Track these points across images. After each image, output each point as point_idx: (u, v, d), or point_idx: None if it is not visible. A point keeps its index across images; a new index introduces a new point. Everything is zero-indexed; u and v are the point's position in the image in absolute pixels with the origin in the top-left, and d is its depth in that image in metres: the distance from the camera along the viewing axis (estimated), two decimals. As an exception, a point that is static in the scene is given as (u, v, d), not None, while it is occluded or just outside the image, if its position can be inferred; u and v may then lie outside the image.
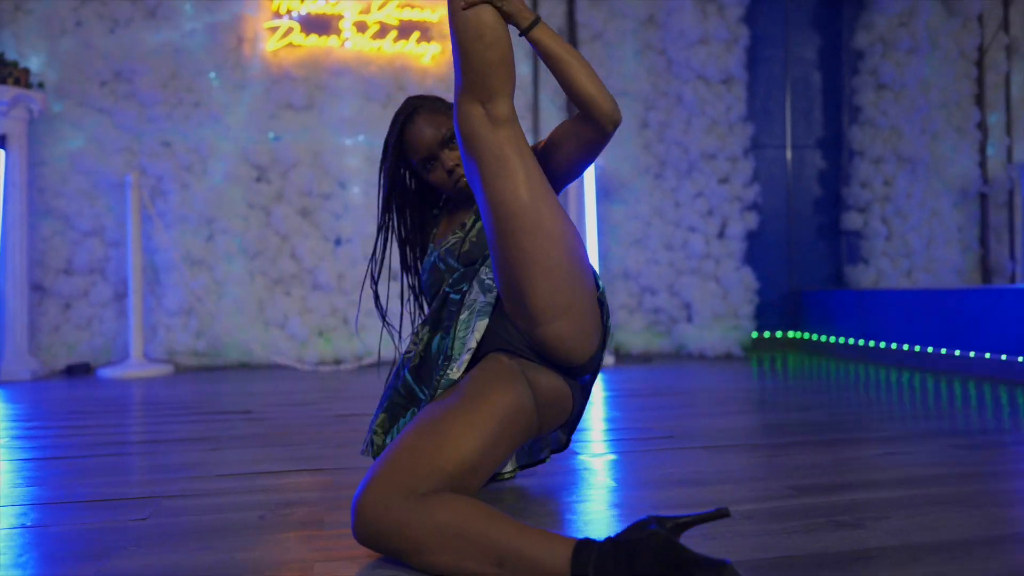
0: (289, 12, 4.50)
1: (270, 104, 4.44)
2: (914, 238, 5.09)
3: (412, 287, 1.76)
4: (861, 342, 4.38)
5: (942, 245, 5.24)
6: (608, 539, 1.01)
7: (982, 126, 5.46)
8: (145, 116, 4.30)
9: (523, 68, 4.76)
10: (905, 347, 4.01)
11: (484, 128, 1.31)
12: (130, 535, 1.34)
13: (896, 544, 1.20)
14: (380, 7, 4.61)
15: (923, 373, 3.66)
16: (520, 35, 1.37)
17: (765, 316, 5.05)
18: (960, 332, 3.67)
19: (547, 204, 1.34)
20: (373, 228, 4.50)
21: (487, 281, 1.47)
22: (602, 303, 1.49)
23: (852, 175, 5.11)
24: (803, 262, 5.21)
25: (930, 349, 3.84)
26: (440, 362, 1.46)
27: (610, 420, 2.53)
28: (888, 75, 4.97)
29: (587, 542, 1.01)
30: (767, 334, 5.09)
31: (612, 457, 1.93)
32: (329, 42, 4.54)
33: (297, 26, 4.48)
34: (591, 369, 1.48)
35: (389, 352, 4.05)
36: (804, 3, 5.19)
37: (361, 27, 4.59)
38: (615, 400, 2.97)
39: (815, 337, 4.85)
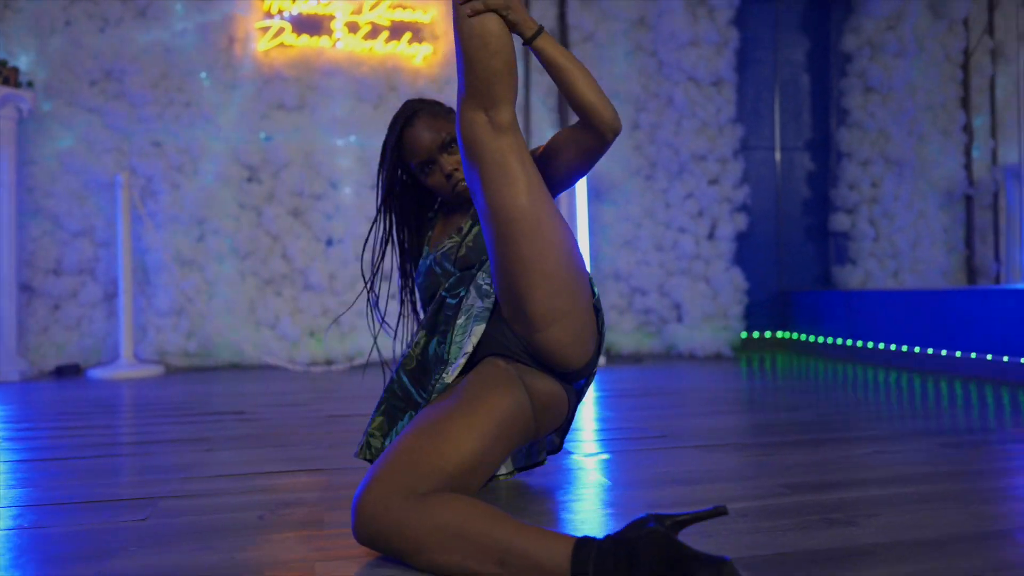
0: (280, 12, 4.50)
1: (261, 104, 4.44)
2: (901, 239, 5.15)
3: (406, 289, 1.76)
4: (849, 342, 4.42)
5: (928, 246, 5.30)
6: (608, 537, 1.02)
7: (967, 129, 5.53)
8: (135, 116, 4.28)
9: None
10: (892, 347, 4.06)
11: (487, 135, 1.32)
12: (129, 536, 1.34)
13: (887, 541, 1.22)
14: (372, 8, 4.61)
15: (910, 373, 3.71)
16: (524, 44, 1.39)
17: (754, 316, 5.10)
18: (946, 332, 3.72)
19: (547, 211, 1.36)
20: (365, 229, 4.51)
21: (484, 287, 1.49)
22: (597, 310, 1.51)
23: (840, 177, 5.16)
24: (792, 263, 5.26)
25: (917, 349, 3.88)
26: (436, 366, 1.48)
27: (602, 420, 2.55)
28: (876, 78, 5.02)
29: (587, 540, 1.02)
30: (756, 334, 5.14)
31: (606, 456, 1.95)
32: (321, 42, 4.54)
33: (288, 26, 4.48)
34: (586, 374, 1.50)
35: (375, 352, 4.05)
36: (793, 6, 5.24)
37: (352, 27, 4.59)
38: (607, 400, 2.99)
39: (804, 337, 4.90)
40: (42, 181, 4.20)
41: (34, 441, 2.30)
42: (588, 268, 1.71)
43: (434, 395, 1.42)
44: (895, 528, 1.29)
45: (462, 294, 1.52)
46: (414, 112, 1.61)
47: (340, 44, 4.55)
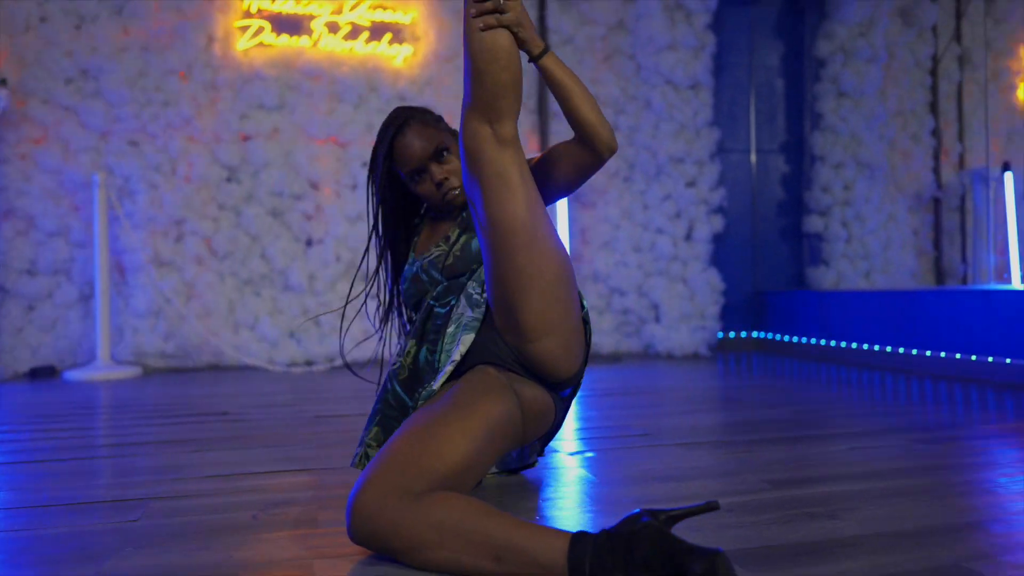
0: (260, 11, 4.48)
1: (240, 104, 4.41)
2: (872, 241, 5.26)
3: (390, 293, 1.77)
4: (822, 342, 4.51)
5: (898, 248, 5.42)
6: (603, 531, 1.04)
7: (936, 133, 5.67)
8: (112, 115, 4.23)
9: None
10: (864, 346, 4.16)
11: (491, 147, 1.35)
12: (124, 536, 1.35)
13: (869, 533, 1.27)
14: (352, 8, 4.61)
15: (881, 371, 3.80)
16: (530, 61, 1.43)
17: (730, 317, 5.18)
18: (916, 332, 3.82)
19: (543, 224, 1.39)
20: (345, 229, 4.51)
21: (475, 296, 1.51)
22: (586, 322, 1.56)
23: (814, 179, 5.26)
24: (767, 264, 5.35)
25: (888, 348, 3.98)
26: (427, 374, 1.51)
27: (585, 419, 2.59)
28: (848, 83, 5.13)
29: (583, 535, 1.04)
30: (732, 334, 5.22)
31: (590, 454, 1.98)
32: (301, 42, 4.52)
33: (268, 25, 4.46)
34: (573, 384, 1.55)
35: (360, 353, 4.06)
36: (768, 12, 5.33)
37: (333, 28, 4.58)
38: (588, 399, 3.03)
39: (778, 337, 4.99)
40: (16, 180, 4.13)
41: (14, 444, 2.28)
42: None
43: (421, 402, 1.45)
44: (875, 521, 1.34)
45: (452, 303, 1.54)
46: (405, 120, 1.62)
47: (321, 44, 4.54)
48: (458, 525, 1.10)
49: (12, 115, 4.12)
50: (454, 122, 4.76)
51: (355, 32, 4.61)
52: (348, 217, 4.53)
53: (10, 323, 4.12)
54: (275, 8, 4.49)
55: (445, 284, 1.59)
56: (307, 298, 4.46)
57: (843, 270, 5.20)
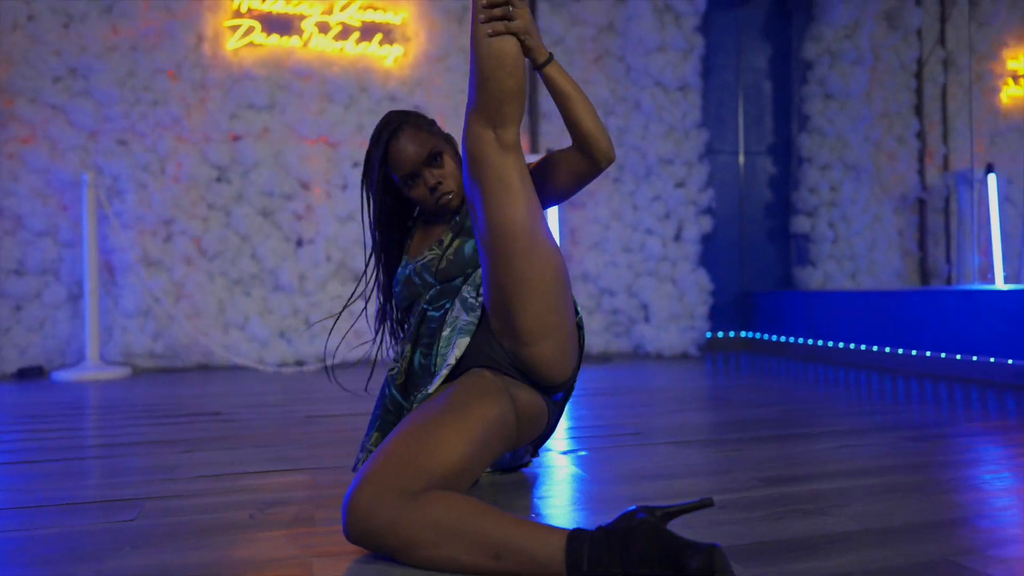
0: (250, 11, 4.47)
1: (230, 103, 4.40)
2: (858, 242, 5.32)
3: (383, 294, 1.78)
4: (810, 341, 4.56)
5: (884, 249, 5.48)
6: (599, 528, 1.06)
7: (921, 135, 5.74)
8: (101, 115, 4.21)
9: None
10: (851, 346, 4.20)
11: (494, 152, 1.36)
12: (121, 536, 1.35)
13: (859, 529, 1.30)
14: (342, 8, 4.61)
15: (868, 370, 3.85)
16: (534, 68, 1.45)
17: (719, 317, 5.22)
18: (901, 331, 3.86)
19: (542, 230, 1.41)
20: (335, 229, 4.50)
21: (470, 300, 1.53)
22: (580, 327, 1.57)
23: (801, 181, 5.31)
24: (754, 264, 5.39)
25: (875, 348, 4.03)
26: (423, 378, 1.53)
27: (576, 418, 2.60)
28: (835, 85, 5.18)
29: (580, 532, 1.05)
30: (720, 334, 5.26)
31: (582, 453, 2.00)
32: (291, 42, 4.52)
33: (258, 25, 4.45)
34: (565, 388, 1.56)
35: (350, 354, 4.06)
36: (756, 15, 5.38)
37: (323, 28, 4.58)
38: (579, 399, 3.04)
39: (766, 337, 5.03)
40: (3, 180, 4.11)
41: (4, 444, 2.27)
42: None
43: (415, 404, 1.46)
44: (865, 517, 1.36)
45: (447, 306, 1.56)
46: (399, 125, 1.63)
47: (311, 44, 4.54)
48: (456, 524, 1.10)
49: (0, 114, 4.09)
50: (446, 124, 4.77)
51: (345, 32, 4.61)
52: (338, 217, 4.53)
53: (-3, 323, 4.10)
54: (265, 8, 4.48)
55: (438, 288, 1.60)
56: (297, 298, 4.45)
57: (830, 271, 5.25)
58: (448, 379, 1.47)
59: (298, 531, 1.36)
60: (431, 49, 4.72)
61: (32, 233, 4.14)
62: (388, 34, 4.69)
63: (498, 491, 1.62)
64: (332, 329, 1.83)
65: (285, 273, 4.41)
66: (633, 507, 1.08)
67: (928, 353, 3.67)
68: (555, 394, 1.56)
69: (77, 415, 2.82)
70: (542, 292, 1.40)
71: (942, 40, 5.79)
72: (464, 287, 1.56)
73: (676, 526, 1.28)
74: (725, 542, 1.23)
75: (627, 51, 4.96)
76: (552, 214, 4.53)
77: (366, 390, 2.03)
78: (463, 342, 1.46)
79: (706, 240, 5.11)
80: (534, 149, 4.83)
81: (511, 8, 1.35)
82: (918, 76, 5.72)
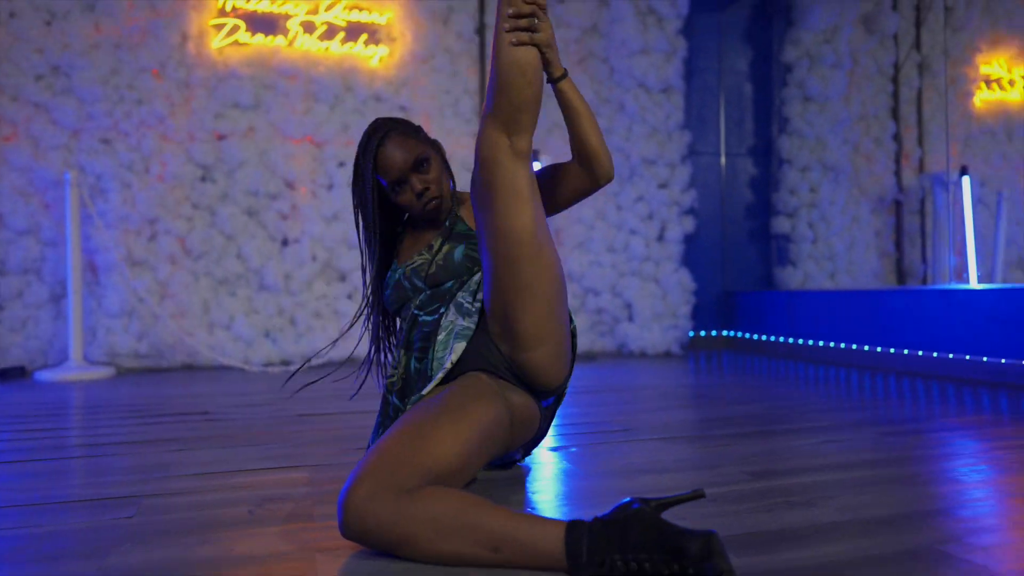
0: (235, 10, 4.45)
1: (215, 103, 4.39)
2: (837, 242, 5.41)
3: (371, 299, 1.79)
4: (791, 340, 4.64)
5: (862, 249, 5.58)
6: (596, 518, 1.08)
7: (897, 138, 5.85)
8: (84, 113, 4.18)
9: (473, 79, 4.84)
10: (831, 344, 4.28)
11: (507, 158, 1.39)
12: (121, 533, 1.36)
13: (847, 519, 1.34)
14: (327, 8, 4.61)
15: (847, 368, 3.92)
16: (548, 82, 1.49)
17: (701, 316, 5.29)
18: (879, 330, 3.95)
19: (547, 238, 1.45)
20: (321, 229, 4.51)
21: (466, 305, 1.55)
22: (573, 335, 1.61)
23: (781, 182, 5.39)
24: (736, 264, 5.47)
25: (854, 346, 4.11)
26: (419, 382, 1.55)
27: (565, 416, 2.64)
28: (814, 88, 5.27)
29: (578, 523, 1.08)
30: (703, 333, 5.33)
31: (572, 449, 2.03)
32: (276, 42, 4.51)
33: (243, 24, 4.44)
34: (556, 394, 1.60)
35: (335, 353, 4.06)
36: (737, 19, 5.45)
37: (308, 27, 4.58)
38: (567, 397, 3.08)
39: (747, 335, 5.11)
40: (-17, 178, 4.06)
41: (-6, 444, 2.25)
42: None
43: (409, 405, 1.49)
44: (851, 508, 1.41)
45: (442, 311, 1.58)
46: (386, 133, 1.66)
47: (296, 43, 4.53)
48: (454, 518, 1.12)
49: (-21, 111, 4.05)
50: (432, 124, 4.77)
51: (331, 32, 4.61)
52: (324, 217, 4.53)
53: (-23, 323, 4.05)
54: (250, 7, 4.47)
55: (428, 293, 1.63)
56: (283, 297, 4.45)
57: (809, 270, 5.33)
58: (444, 382, 1.49)
59: (297, 526, 1.37)
60: (417, 49, 4.74)
61: (13, 232, 4.10)
62: (373, 34, 4.70)
63: (491, 487, 1.65)
64: (329, 349, 1.85)
65: (270, 273, 4.40)
66: (628, 499, 1.11)
67: (905, 351, 3.76)
68: (545, 399, 1.59)
69: (64, 415, 2.80)
70: (543, 298, 1.44)
71: (917, 45, 5.91)
72: (459, 293, 1.59)
73: (668, 518, 1.31)
74: (718, 532, 1.27)
75: (611, 53, 5.01)
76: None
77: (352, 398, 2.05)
78: (460, 346, 1.49)
79: (689, 240, 5.18)
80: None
81: (536, 21, 1.38)
82: (894, 80, 5.83)
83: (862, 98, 5.69)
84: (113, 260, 4.14)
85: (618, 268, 4.99)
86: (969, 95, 6.17)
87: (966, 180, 5.50)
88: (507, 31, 1.38)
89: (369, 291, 1.75)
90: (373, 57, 4.66)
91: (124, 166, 4.23)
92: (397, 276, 1.68)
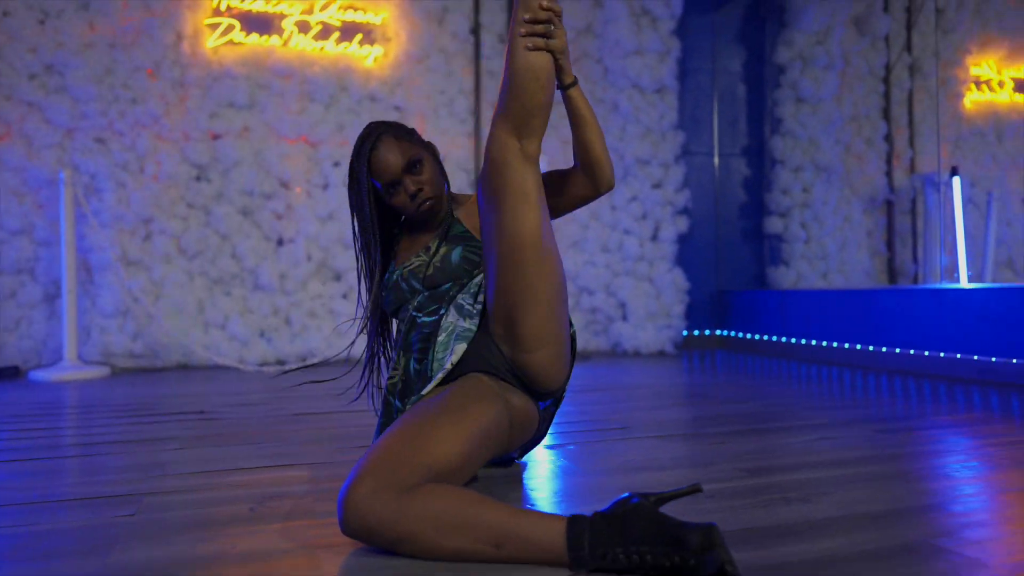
0: (229, 9, 4.45)
1: (210, 102, 4.38)
2: (829, 242, 5.45)
3: (368, 299, 1.80)
4: (783, 339, 4.67)
5: (854, 249, 5.62)
6: (597, 513, 1.10)
7: (888, 138, 5.89)
8: (78, 112, 4.17)
9: (468, 79, 4.85)
10: (824, 343, 4.31)
11: (517, 161, 1.40)
12: (123, 531, 1.36)
13: (842, 515, 1.36)
14: (322, 8, 4.62)
15: (840, 367, 3.96)
16: (558, 88, 1.51)
17: (695, 315, 5.32)
18: (871, 329, 3.98)
19: (552, 242, 1.47)
20: (316, 228, 4.51)
21: (467, 307, 1.57)
22: (572, 338, 1.63)
23: (774, 182, 5.42)
24: (729, 264, 5.50)
25: (846, 345, 4.14)
26: (419, 382, 1.56)
27: (562, 414, 2.65)
28: (806, 89, 5.30)
29: (579, 517, 1.10)
30: (697, 332, 5.36)
31: (570, 447, 2.05)
32: (271, 41, 4.51)
33: (237, 24, 4.44)
34: (555, 396, 1.61)
35: (329, 352, 4.06)
36: (731, 20, 5.48)
37: (303, 27, 4.58)
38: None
39: (741, 335, 5.14)
40: (-23, 177, 4.05)
41: (-9, 444, 2.25)
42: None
43: (409, 405, 1.50)
44: (846, 504, 1.43)
45: (441, 312, 1.59)
46: (379, 136, 1.67)
47: (291, 43, 4.53)
48: (456, 515, 1.13)
49: (-27, 111, 4.03)
50: (426, 124, 4.78)
51: (326, 32, 4.61)
52: (319, 216, 4.54)
53: (-29, 323, 4.04)
54: (245, 6, 4.47)
55: (426, 294, 1.64)
56: (278, 297, 4.45)
57: (802, 270, 5.37)
58: (444, 383, 1.50)
59: (301, 523, 1.38)
60: (412, 49, 4.74)
61: (7, 232, 4.08)
62: (368, 34, 4.70)
63: (491, 484, 1.66)
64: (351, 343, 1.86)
65: (265, 272, 4.40)
66: (627, 494, 1.13)
67: (897, 350, 3.79)
68: (544, 401, 1.60)
69: (59, 414, 2.80)
70: (546, 301, 1.45)
71: (909, 46, 5.95)
72: (460, 295, 1.60)
73: (668, 512, 1.33)
74: (715, 528, 1.29)
75: (605, 53, 5.03)
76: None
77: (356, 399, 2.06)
78: (460, 348, 1.50)
79: (682, 240, 5.20)
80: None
81: (552, 27, 1.39)
82: (886, 81, 5.87)
83: (854, 99, 5.73)
84: (108, 260, 4.13)
85: (612, 268, 5.01)
86: (959, 96, 6.22)
87: (956, 180, 5.54)
88: (523, 36, 1.39)
89: (371, 296, 1.75)
90: (368, 57, 4.67)
91: (119, 165, 4.22)
92: (395, 278, 1.69)
